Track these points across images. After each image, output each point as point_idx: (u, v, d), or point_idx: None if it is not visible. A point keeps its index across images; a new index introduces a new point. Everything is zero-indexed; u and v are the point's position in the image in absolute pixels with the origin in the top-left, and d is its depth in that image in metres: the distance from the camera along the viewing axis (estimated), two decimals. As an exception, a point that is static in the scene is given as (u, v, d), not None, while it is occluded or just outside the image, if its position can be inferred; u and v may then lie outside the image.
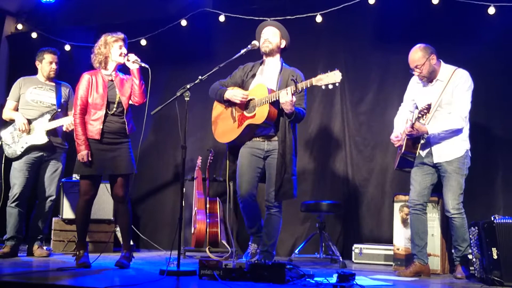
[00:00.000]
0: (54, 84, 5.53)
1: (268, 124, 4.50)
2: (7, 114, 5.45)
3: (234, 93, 4.59)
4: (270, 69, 4.67)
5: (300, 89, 4.35)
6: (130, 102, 4.68)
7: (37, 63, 5.51)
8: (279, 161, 4.47)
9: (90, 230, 4.94)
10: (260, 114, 4.45)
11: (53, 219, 5.97)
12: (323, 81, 4.23)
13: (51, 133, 5.36)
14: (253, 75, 4.68)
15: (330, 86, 4.24)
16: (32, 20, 7.45)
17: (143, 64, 4.60)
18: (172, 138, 6.62)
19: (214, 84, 4.78)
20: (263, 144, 4.60)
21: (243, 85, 4.69)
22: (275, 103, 4.43)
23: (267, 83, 4.57)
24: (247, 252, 4.84)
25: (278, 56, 4.68)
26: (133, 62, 4.60)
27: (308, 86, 4.34)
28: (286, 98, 4.30)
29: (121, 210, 4.70)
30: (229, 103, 4.66)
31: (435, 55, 4.57)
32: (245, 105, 4.59)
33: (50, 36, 7.17)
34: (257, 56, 4.75)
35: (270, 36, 4.62)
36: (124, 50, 4.64)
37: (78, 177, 5.69)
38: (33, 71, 5.57)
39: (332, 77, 4.20)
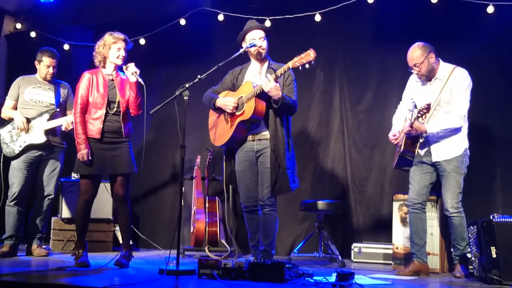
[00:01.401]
0: (53, 83, 5.53)
1: (257, 120, 4.48)
2: (6, 113, 5.45)
3: (224, 102, 4.60)
4: (258, 68, 4.68)
5: (279, 75, 4.36)
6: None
7: (36, 63, 5.51)
8: (272, 157, 4.45)
9: (90, 230, 4.94)
10: (248, 109, 4.45)
11: (52, 218, 5.97)
12: (298, 62, 4.27)
13: (49, 132, 5.36)
14: (243, 78, 4.69)
15: (307, 66, 4.26)
16: (30, 19, 7.45)
17: (139, 79, 4.54)
18: (171, 137, 6.62)
19: (206, 92, 4.79)
20: (253, 144, 4.59)
21: (234, 89, 4.70)
22: (262, 97, 4.43)
23: (256, 81, 4.58)
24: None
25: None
26: (132, 74, 4.56)
27: (286, 70, 4.35)
28: (270, 85, 4.31)
29: (121, 210, 4.69)
30: (221, 110, 4.67)
31: (433, 53, 4.57)
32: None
33: (49, 35, 7.17)
34: (245, 56, 4.74)
35: (260, 41, 4.62)
36: (122, 53, 4.60)
37: (77, 177, 5.71)
38: (32, 71, 5.57)
39: (306, 57, 4.24)
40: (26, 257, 5.30)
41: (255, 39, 4.60)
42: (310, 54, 4.23)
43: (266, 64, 4.68)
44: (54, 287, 3.52)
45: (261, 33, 4.64)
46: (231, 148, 4.74)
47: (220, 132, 4.72)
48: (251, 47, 4.59)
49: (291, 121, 4.70)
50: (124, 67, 4.61)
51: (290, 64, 4.31)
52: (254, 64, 4.72)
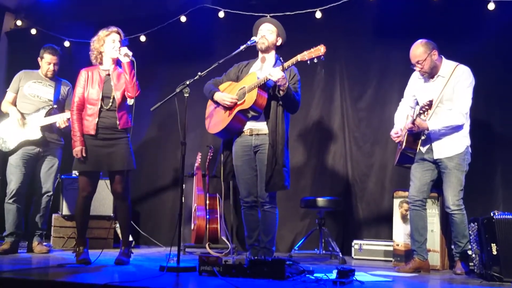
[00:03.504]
0: (54, 81, 5.53)
1: (256, 111, 4.45)
2: (4, 106, 5.44)
3: (222, 97, 4.55)
4: (265, 65, 4.65)
5: (286, 67, 4.34)
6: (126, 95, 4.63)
7: (39, 59, 5.52)
8: (270, 152, 4.41)
9: (90, 227, 4.94)
10: (249, 99, 4.42)
11: (53, 215, 5.98)
12: (307, 55, 4.27)
13: (46, 129, 5.36)
14: (248, 71, 4.66)
15: (315, 60, 4.26)
16: (31, 16, 7.45)
17: (133, 58, 4.52)
18: (172, 135, 6.62)
19: (207, 83, 4.75)
20: (251, 139, 4.55)
21: (237, 81, 4.67)
22: (265, 89, 4.41)
23: (259, 74, 4.55)
24: None
25: (273, 52, 4.66)
26: (124, 56, 4.54)
27: (294, 63, 4.33)
28: (278, 75, 4.27)
29: (120, 207, 4.69)
30: (218, 103, 4.64)
31: (436, 50, 4.56)
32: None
33: (49, 32, 7.16)
34: (253, 52, 4.73)
35: (267, 33, 4.60)
36: (117, 44, 4.60)
37: (77, 174, 5.71)
38: (32, 68, 5.57)
39: (316, 51, 4.24)
40: (27, 254, 5.31)
41: (262, 29, 4.60)
42: (320, 49, 4.23)
43: (271, 59, 4.64)
44: (54, 284, 3.52)
45: (269, 26, 4.62)
46: (229, 141, 4.70)
47: (216, 120, 4.66)
48: (252, 43, 4.58)
49: (291, 120, 4.68)
50: (117, 51, 4.59)
51: (299, 57, 4.30)
52: (261, 59, 4.70)
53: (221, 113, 4.64)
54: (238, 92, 4.53)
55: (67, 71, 5.95)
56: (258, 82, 4.39)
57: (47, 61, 5.46)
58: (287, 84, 4.33)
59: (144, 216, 6.84)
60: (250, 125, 4.56)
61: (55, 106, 5.43)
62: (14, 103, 5.43)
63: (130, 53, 4.55)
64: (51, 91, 5.47)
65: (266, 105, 4.45)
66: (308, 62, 4.28)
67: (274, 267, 3.76)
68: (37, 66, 5.55)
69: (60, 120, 5.28)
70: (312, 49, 4.26)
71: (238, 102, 4.50)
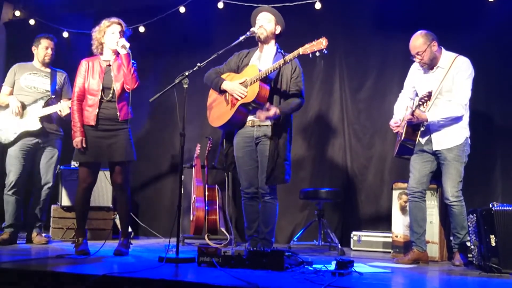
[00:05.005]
0: (49, 70, 5.50)
1: (259, 105, 4.45)
2: (1, 99, 5.41)
3: (233, 88, 4.51)
4: (265, 55, 4.63)
5: (288, 60, 4.32)
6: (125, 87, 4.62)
7: (33, 48, 5.48)
8: (272, 145, 4.42)
9: (89, 218, 4.94)
10: (251, 92, 4.41)
11: (52, 206, 5.98)
12: (308, 49, 4.24)
13: (45, 119, 5.34)
14: (248, 61, 4.65)
15: (317, 53, 4.23)
16: (30, 7, 7.42)
17: (129, 51, 4.51)
18: (171, 126, 6.61)
19: (209, 72, 4.73)
20: (252, 130, 4.55)
21: (238, 72, 4.66)
22: (266, 82, 4.40)
23: (262, 68, 4.54)
24: None
25: (273, 42, 4.64)
26: (121, 47, 4.53)
27: (296, 56, 4.31)
28: (265, 115, 4.35)
29: (120, 198, 4.69)
30: (223, 91, 4.63)
31: (436, 41, 4.55)
32: None
33: (48, 23, 7.13)
34: (254, 40, 4.71)
35: (265, 22, 4.58)
36: (117, 35, 4.58)
37: (77, 165, 5.71)
38: (31, 58, 5.54)
39: (318, 45, 4.21)
40: (26, 245, 5.31)
41: (260, 19, 4.58)
42: (322, 43, 4.20)
43: (272, 49, 4.63)
44: (53, 275, 3.52)
45: (267, 15, 4.60)
46: (231, 132, 4.70)
47: (219, 113, 4.66)
48: (251, 34, 4.57)
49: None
50: (115, 42, 4.57)
51: (300, 50, 4.27)
52: (261, 49, 4.68)
53: (223, 106, 4.63)
54: (246, 91, 4.53)
55: (65, 62, 5.93)
56: (259, 75, 4.37)
57: (45, 45, 5.42)
58: (278, 112, 4.36)
59: (143, 207, 6.84)
60: (252, 116, 4.56)
61: (53, 96, 5.41)
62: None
63: (128, 45, 4.53)
64: (47, 81, 5.44)
65: (268, 98, 4.45)
66: (310, 55, 4.26)
67: (273, 258, 3.77)
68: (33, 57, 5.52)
69: (59, 109, 5.25)
70: (314, 42, 4.22)
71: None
